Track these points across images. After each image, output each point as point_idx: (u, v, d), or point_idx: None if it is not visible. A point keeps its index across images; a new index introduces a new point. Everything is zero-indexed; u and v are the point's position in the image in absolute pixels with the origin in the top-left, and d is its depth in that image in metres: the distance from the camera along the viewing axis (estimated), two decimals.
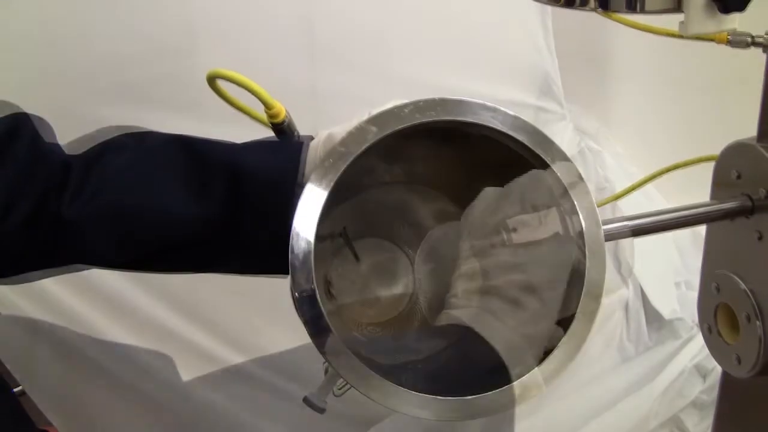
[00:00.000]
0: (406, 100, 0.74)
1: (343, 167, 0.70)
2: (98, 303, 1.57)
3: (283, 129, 0.82)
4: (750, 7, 0.69)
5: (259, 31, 1.37)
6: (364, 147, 0.71)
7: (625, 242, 2.09)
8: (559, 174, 0.73)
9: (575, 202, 0.73)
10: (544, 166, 0.73)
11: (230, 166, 0.77)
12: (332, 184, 0.69)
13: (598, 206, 0.75)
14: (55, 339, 1.55)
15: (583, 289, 0.70)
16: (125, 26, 1.37)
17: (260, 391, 1.76)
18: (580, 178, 0.73)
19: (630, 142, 2.22)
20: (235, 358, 1.73)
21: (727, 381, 1.05)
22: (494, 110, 0.74)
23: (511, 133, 0.73)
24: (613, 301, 2.06)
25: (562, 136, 2.09)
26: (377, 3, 1.53)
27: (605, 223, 0.84)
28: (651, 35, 0.97)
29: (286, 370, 1.73)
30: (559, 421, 1.94)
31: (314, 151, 0.78)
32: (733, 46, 0.89)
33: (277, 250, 0.76)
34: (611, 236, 0.84)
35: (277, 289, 1.65)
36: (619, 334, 2.06)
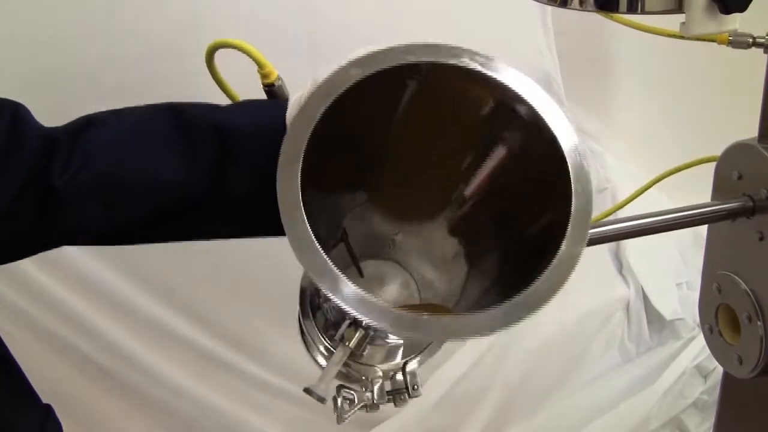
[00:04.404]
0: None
1: (325, 107, 0.69)
2: (98, 302, 1.57)
3: (274, 91, 0.82)
4: (750, 8, 0.69)
5: (260, 29, 1.37)
6: (346, 86, 0.70)
7: (627, 243, 2.09)
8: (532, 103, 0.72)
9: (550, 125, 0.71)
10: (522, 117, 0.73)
11: (216, 126, 0.76)
12: (315, 120, 0.68)
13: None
14: (53, 337, 1.55)
15: (571, 217, 0.69)
16: (126, 26, 1.37)
17: (260, 391, 1.77)
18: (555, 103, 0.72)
19: (631, 143, 2.22)
20: (236, 358, 1.73)
21: (728, 381, 1.05)
22: (473, 53, 0.73)
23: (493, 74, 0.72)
24: (614, 301, 2.06)
25: None
26: (378, 2, 1.53)
27: (606, 224, 0.84)
28: (652, 36, 0.97)
29: (287, 371, 1.73)
30: (561, 422, 1.94)
31: (300, 102, 0.76)
32: (734, 47, 0.89)
33: (270, 207, 0.76)
34: (613, 237, 0.84)
35: (277, 289, 1.65)
36: (620, 334, 2.06)
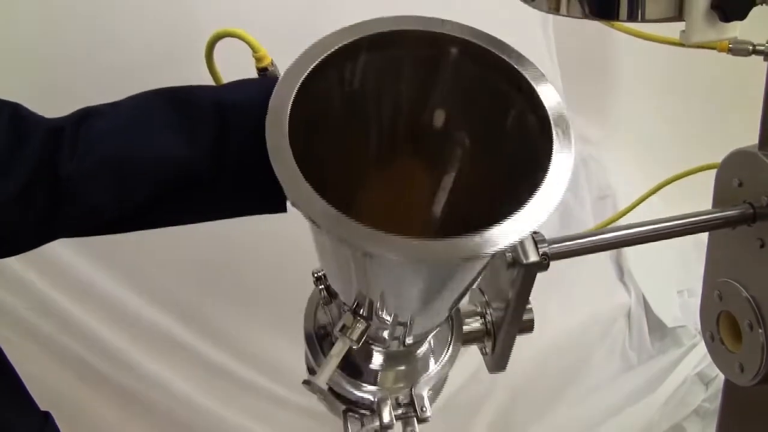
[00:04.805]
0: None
1: (309, 67, 0.71)
2: (100, 309, 1.57)
3: (267, 74, 0.85)
4: (750, 16, 0.69)
5: (264, 36, 1.38)
6: (329, 51, 0.73)
7: (627, 250, 2.09)
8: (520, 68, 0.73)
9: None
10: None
11: (213, 102, 0.79)
12: (301, 79, 0.70)
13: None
14: (54, 344, 1.55)
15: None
16: (130, 34, 1.37)
17: (264, 400, 1.76)
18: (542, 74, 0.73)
19: (632, 150, 2.22)
20: (239, 367, 1.73)
21: (730, 389, 1.05)
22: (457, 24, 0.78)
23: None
24: (615, 308, 2.06)
25: None
26: (380, 12, 1.53)
27: (607, 231, 0.84)
28: (653, 43, 0.97)
29: (291, 380, 1.73)
30: (563, 429, 1.94)
31: None
32: (734, 54, 0.89)
33: (270, 177, 0.78)
34: (614, 244, 0.84)
35: (281, 298, 1.65)
36: (621, 342, 2.06)
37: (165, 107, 0.80)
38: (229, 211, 0.85)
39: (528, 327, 0.86)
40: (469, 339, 0.88)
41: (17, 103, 0.79)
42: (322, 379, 0.71)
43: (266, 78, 0.83)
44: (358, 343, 0.73)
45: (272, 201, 0.81)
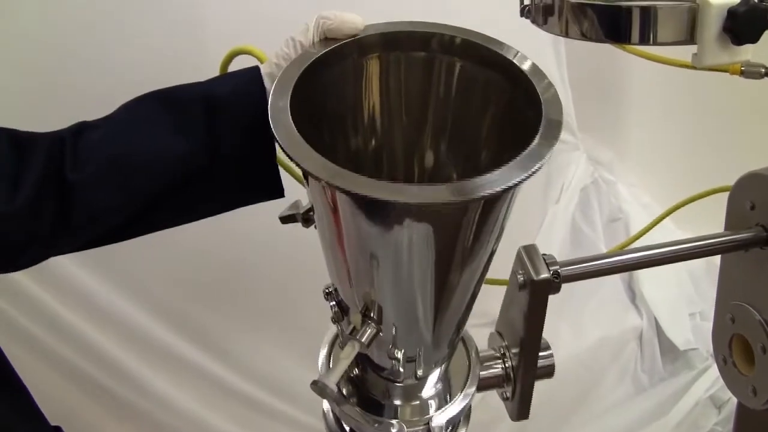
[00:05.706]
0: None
1: (311, 59, 0.76)
2: (109, 327, 1.58)
3: None
4: (763, 39, 0.69)
5: (269, 44, 1.40)
6: (329, 48, 0.78)
7: (640, 273, 2.08)
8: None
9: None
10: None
11: (201, 96, 0.82)
12: (302, 70, 0.75)
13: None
14: (64, 362, 1.56)
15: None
16: (134, 42, 1.38)
17: (272, 419, 1.76)
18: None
19: (644, 173, 2.22)
20: (247, 387, 1.73)
21: (742, 413, 1.04)
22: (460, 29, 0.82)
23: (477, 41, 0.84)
24: (627, 331, 2.05)
25: (576, 166, 2.09)
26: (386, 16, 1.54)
27: (619, 254, 0.84)
28: (665, 65, 0.97)
29: (303, 401, 1.73)
30: None
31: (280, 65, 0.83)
32: (746, 77, 0.89)
33: (264, 164, 0.83)
34: (625, 267, 0.84)
35: (289, 320, 1.65)
36: (633, 364, 2.05)
37: (155, 107, 0.83)
38: (229, 201, 0.88)
39: (547, 373, 0.86)
40: (488, 384, 0.88)
41: (8, 128, 0.82)
42: (332, 380, 0.72)
43: (249, 68, 0.86)
44: (368, 347, 0.74)
45: (269, 185, 0.85)
